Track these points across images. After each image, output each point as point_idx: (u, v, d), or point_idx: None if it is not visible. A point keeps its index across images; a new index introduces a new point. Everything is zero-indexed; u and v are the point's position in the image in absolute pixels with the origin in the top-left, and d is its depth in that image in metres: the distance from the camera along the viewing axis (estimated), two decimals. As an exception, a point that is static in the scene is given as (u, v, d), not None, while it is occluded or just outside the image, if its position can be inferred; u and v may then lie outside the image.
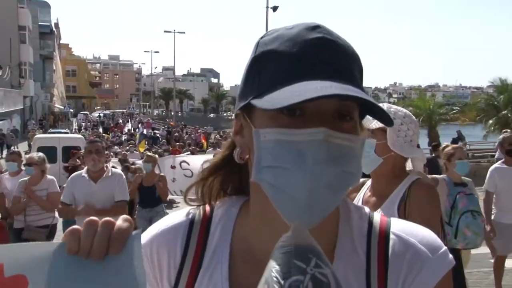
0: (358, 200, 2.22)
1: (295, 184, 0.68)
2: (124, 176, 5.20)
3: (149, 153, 9.38)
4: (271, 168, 0.71)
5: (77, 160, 10.56)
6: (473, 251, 7.81)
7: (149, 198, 7.43)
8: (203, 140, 17.67)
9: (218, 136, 25.61)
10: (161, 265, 0.86)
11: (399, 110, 2.22)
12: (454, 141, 10.45)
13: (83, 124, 45.14)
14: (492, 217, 5.37)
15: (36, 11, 51.61)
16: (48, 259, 0.64)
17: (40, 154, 5.82)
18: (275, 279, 0.59)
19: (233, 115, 0.85)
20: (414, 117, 2.28)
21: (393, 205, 2.06)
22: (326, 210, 0.71)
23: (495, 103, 23.52)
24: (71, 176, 5.31)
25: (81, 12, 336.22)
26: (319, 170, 0.68)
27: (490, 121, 23.19)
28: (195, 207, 0.91)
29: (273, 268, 0.61)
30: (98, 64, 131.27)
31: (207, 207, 0.90)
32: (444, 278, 0.78)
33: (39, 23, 53.75)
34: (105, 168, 5.00)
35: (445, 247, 0.80)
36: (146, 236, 0.88)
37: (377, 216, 0.86)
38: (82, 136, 18.54)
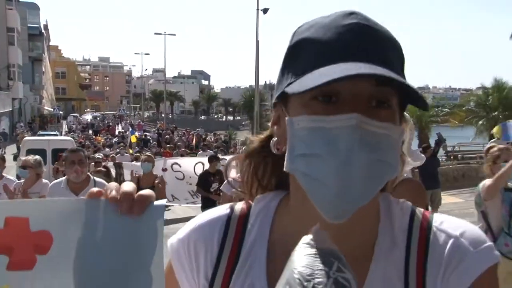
0: None
1: (327, 171, 0.68)
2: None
3: (148, 153, 9.27)
4: (304, 156, 0.70)
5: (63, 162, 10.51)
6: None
7: None
8: (194, 141, 17.64)
9: (209, 138, 25.59)
10: (198, 261, 0.85)
11: None
12: (436, 143, 10.51)
13: (73, 126, 44.84)
14: None
15: (25, 13, 51.15)
16: (73, 215, 0.66)
17: (37, 157, 5.70)
18: (297, 280, 0.59)
19: (272, 105, 0.84)
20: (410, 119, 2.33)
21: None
22: (360, 199, 0.69)
23: (487, 103, 23.73)
24: (50, 185, 5.03)
25: (71, 14, 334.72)
26: (352, 156, 0.66)
27: (480, 122, 23.41)
28: (232, 203, 0.91)
29: (295, 270, 0.60)
30: (88, 66, 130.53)
31: (245, 203, 0.90)
32: (485, 274, 0.74)
33: (28, 25, 53.28)
34: (89, 179, 4.64)
35: (490, 243, 0.76)
36: (183, 231, 0.89)
37: (420, 211, 0.83)
38: (72, 139, 18.40)
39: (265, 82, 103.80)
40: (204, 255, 0.85)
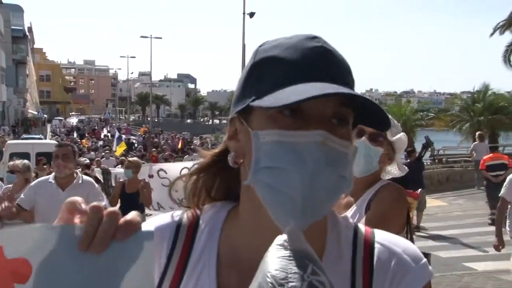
0: None
1: (292, 184, 0.70)
2: (96, 185, 4.80)
3: (130, 159, 8.90)
4: (269, 168, 0.72)
5: (44, 166, 10.28)
6: (444, 255, 7.99)
7: (132, 206, 6.84)
8: (180, 145, 17.45)
9: (195, 142, 25.48)
10: None
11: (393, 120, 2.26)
12: (423, 146, 10.66)
13: (58, 129, 44.36)
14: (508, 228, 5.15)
15: (8, 15, 50.61)
16: (51, 242, 0.61)
17: (25, 161, 5.60)
18: (270, 285, 0.57)
19: (228, 120, 0.86)
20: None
21: (363, 202, 2.15)
22: (320, 213, 0.73)
23: (471, 108, 24.02)
24: (37, 180, 4.94)
25: (55, 16, 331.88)
26: (317, 171, 0.70)
27: (464, 127, 23.68)
28: (182, 210, 0.92)
29: (268, 273, 0.59)
30: (73, 69, 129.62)
31: (195, 211, 0.91)
32: (425, 287, 0.81)
33: (12, 27, 52.70)
34: (75, 175, 4.56)
35: (425, 259, 0.83)
36: None
37: (362, 226, 0.89)
38: (56, 142, 18.16)
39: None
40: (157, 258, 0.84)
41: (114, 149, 21.26)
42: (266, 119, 0.75)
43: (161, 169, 9.58)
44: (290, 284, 0.57)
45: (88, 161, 12.04)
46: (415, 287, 0.80)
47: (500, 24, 21.17)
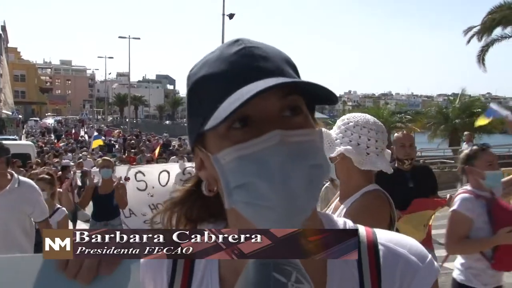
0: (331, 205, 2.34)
1: (268, 194, 0.68)
2: (38, 190, 4.13)
3: (105, 157, 8.37)
4: (240, 187, 0.70)
5: (20, 168, 9.93)
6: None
7: (106, 208, 6.59)
8: (157, 150, 17.13)
9: (175, 143, 25.29)
10: (157, 277, 0.84)
11: (352, 122, 2.26)
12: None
13: (33, 130, 43.51)
14: None
15: (-18, 13, 49.42)
16: (33, 272, 0.60)
17: None
18: None
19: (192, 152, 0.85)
20: (370, 121, 2.27)
21: (346, 206, 2.18)
22: (306, 211, 0.71)
23: (449, 109, 24.44)
24: None
25: (31, 15, 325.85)
26: (287, 172, 0.68)
27: (439, 129, 24.10)
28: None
29: (250, 282, 0.58)
30: (49, 69, 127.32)
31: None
32: (434, 285, 0.81)
33: (-14, 26, 51.58)
34: (9, 177, 3.96)
35: (430, 255, 0.82)
36: None
37: (361, 227, 0.86)
38: (32, 143, 17.80)
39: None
40: (160, 270, 0.84)
41: (90, 150, 20.93)
42: (220, 139, 0.73)
43: (139, 171, 9.03)
44: None
45: (69, 162, 11.62)
46: (425, 286, 0.80)
47: (474, 30, 21.61)
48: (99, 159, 16.04)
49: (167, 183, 8.56)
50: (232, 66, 0.74)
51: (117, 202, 6.66)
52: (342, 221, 0.87)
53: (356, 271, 0.80)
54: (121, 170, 9.25)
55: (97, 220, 6.61)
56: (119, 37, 48.36)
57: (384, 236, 0.84)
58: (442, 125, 24.21)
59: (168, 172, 8.80)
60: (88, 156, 17.67)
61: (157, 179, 8.78)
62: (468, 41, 21.74)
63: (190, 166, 8.82)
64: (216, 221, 0.88)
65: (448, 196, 4.10)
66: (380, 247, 0.82)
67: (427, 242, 4.06)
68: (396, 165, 4.28)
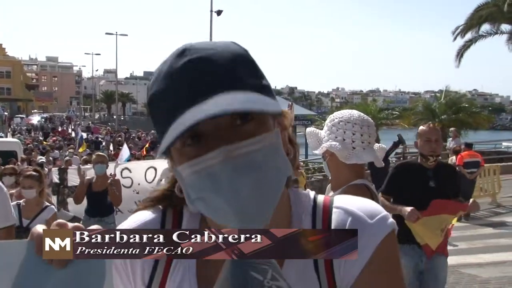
0: None
1: (223, 207, 0.71)
2: (4, 189, 3.34)
3: (100, 153, 8.03)
4: (199, 199, 0.74)
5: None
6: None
7: (99, 205, 6.43)
8: (145, 149, 16.92)
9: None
10: (135, 266, 0.87)
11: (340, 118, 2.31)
12: (395, 144, 10.89)
13: (19, 128, 42.97)
14: None
15: (-34, 9, 48.68)
16: (17, 257, 0.62)
17: None
18: None
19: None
20: (356, 117, 2.32)
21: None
22: (267, 212, 0.73)
23: (433, 107, 24.63)
24: None
25: (16, 11, 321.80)
26: (235, 186, 0.69)
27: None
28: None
29: (228, 279, 0.59)
30: (35, 66, 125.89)
31: (174, 208, 0.92)
32: (384, 241, 0.81)
33: (-30, 22, 50.77)
34: None
35: (385, 213, 0.83)
36: None
37: (321, 196, 0.91)
38: (18, 141, 17.55)
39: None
40: (141, 260, 0.85)
41: (77, 149, 20.76)
42: (178, 154, 0.76)
43: (126, 168, 8.88)
44: None
45: (43, 160, 11.24)
46: (372, 242, 0.80)
47: (460, 28, 21.79)
48: (88, 155, 15.89)
49: (153, 180, 8.43)
50: (178, 84, 0.73)
51: (111, 200, 6.48)
52: (305, 193, 0.91)
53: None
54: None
55: (90, 216, 6.42)
56: (106, 33, 48.04)
57: (340, 200, 0.88)
58: (429, 121, 24.37)
59: (155, 168, 8.65)
60: (75, 154, 17.51)
61: (144, 175, 8.66)
62: (454, 39, 21.94)
63: None
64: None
65: (471, 201, 3.83)
66: (334, 209, 0.86)
67: (443, 247, 3.76)
68: (419, 161, 3.93)
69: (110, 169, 8.76)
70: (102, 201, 6.44)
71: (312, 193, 0.92)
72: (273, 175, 0.73)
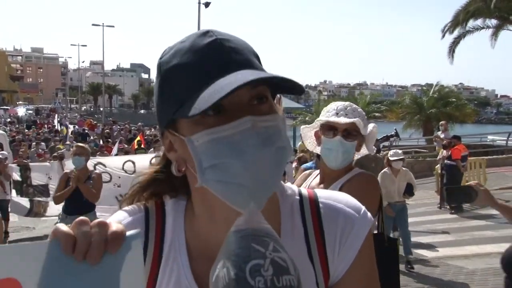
0: (305, 186, 2.35)
1: (239, 173, 0.74)
2: None
3: (80, 144, 7.19)
4: (213, 166, 0.76)
5: None
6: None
7: (79, 201, 5.84)
8: (139, 138, 16.59)
9: (150, 135, 24.99)
10: None
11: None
12: (387, 137, 10.99)
13: (3, 120, 42.33)
14: None
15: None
16: (40, 259, 0.60)
17: None
18: (235, 262, 0.59)
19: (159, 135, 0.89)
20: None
21: (335, 188, 2.22)
22: (272, 188, 0.79)
23: (423, 99, 24.81)
24: None
25: (0, 1, 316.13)
26: (258, 154, 0.74)
27: (414, 119, 24.43)
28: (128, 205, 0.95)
29: (232, 252, 0.60)
30: (20, 57, 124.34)
31: (157, 202, 0.94)
32: (368, 233, 0.90)
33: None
34: None
35: (363, 208, 0.92)
36: None
37: (304, 189, 0.96)
38: (4, 133, 17.25)
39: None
40: None
41: (67, 140, 20.51)
42: (193, 124, 0.78)
43: (99, 163, 8.45)
44: (254, 261, 0.59)
45: (5, 154, 10.16)
46: (362, 234, 0.89)
47: (448, 25, 21.92)
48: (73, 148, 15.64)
49: (133, 172, 8.09)
50: (205, 58, 0.78)
51: (86, 197, 5.89)
52: (289, 186, 0.95)
53: (301, 228, 0.90)
54: None
55: (68, 214, 5.90)
56: (93, 24, 47.58)
57: (323, 194, 0.94)
58: (417, 115, 24.54)
59: (133, 162, 8.40)
60: (61, 146, 17.29)
61: (122, 169, 8.33)
62: (443, 36, 22.06)
63: (157, 155, 8.52)
64: (177, 195, 0.94)
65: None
66: (320, 204, 0.92)
67: None
68: None
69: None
70: (81, 197, 5.85)
71: (295, 187, 0.97)
72: (284, 153, 0.79)
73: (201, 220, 0.88)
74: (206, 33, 0.81)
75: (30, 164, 10.22)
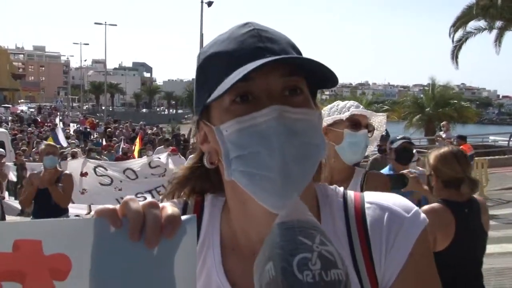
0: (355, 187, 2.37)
1: (266, 164, 0.72)
2: None
3: (50, 142, 6.50)
4: (240, 157, 0.75)
5: None
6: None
7: (45, 205, 5.29)
8: (138, 139, 16.52)
9: (151, 132, 24.99)
10: None
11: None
12: (383, 138, 11.01)
13: (3, 118, 42.28)
14: None
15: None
16: (90, 236, 0.59)
17: None
18: (281, 256, 0.57)
19: (194, 126, 0.89)
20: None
21: (356, 186, 2.29)
22: (300, 184, 0.74)
23: (420, 100, 24.77)
24: None
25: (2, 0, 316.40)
26: (284, 144, 0.72)
27: (414, 119, 24.41)
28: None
29: (277, 245, 0.58)
30: (22, 55, 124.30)
31: (198, 197, 0.94)
32: (422, 235, 0.81)
33: (-45, 9, 49.87)
34: None
35: (416, 208, 0.85)
36: None
37: (351, 192, 0.91)
38: (5, 130, 17.22)
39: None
40: None
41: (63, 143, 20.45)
42: (223, 112, 0.77)
43: (99, 166, 8.24)
44: (301, 255, 0.57)
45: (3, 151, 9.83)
46: (412, 235, 0.81)
47: (456, 25, 21.83)
48: (77, 148, 15.59)
49: (136, 178, 8.21)
50: (239, 45, 0.77)
51: (55, 200, 5.32)
52: (334, 189, 0.91)
53: (344, 229, 0.84)
54: (76, 164, 8.26)
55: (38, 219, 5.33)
56: (95, 23, 47.51)
57: (371, 196, 0.88)
58: (418, 114, 24.53)
59: (134, 170, 8.34)
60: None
61: (123, 174, 8.26)
62: (453, 37, 21.91)
63: (157, 158, 8.47)
64: (216, 191, 0.93)
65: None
66: (366, 205, 0.86)
67: None
68: None
69: (77, 166, 8.00)
70: (49, 200, 5.30)
71: (340, 189, 0.93)
72: (313, 150, 0.76)
73: (234, 216, 0.87)
74: (245, 24, 0.81)
75: (27, 163, 9.99)
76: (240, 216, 0.85)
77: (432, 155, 2.83)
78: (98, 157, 13.25)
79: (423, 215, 0.84)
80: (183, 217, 0.62)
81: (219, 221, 0.89)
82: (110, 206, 0.60)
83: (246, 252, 0.84)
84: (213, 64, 0.80)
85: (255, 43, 0.77)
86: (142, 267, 0.59)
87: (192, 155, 0.96)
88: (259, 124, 0.73)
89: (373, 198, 0.87)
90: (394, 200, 0.85)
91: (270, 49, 0.76)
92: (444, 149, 2.86)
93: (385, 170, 4.35)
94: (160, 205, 0.62)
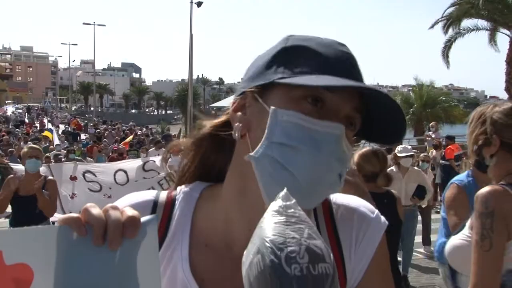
0: None
1: (301, 165, 0.74)
2: None
3: (33, 145, 5.56)
4: (282, 145, 0.75)
5: None
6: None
7: (28, 214, 4.80)
8: (129, 138, 16.29)
9: (142, 133, 24.90)
10: None
11: None
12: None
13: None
14: None
15: None
16: (51, 244, 0.59)
17: None
18: (270, 249, 0.58)
19: (237, 92, 0.87)
20: None
21: None
22: (313, 201, 0.78)
23: (410, 100, 24.97)
24: None
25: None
26: (328, 161, 0.75)
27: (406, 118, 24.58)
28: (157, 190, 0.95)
29: (266, 238, 0.59)
30: (9, 55, 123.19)
31: (170, 191, 0.94)
32: (383, 236, 0.89)
33: None
34: None
35: (377, 210, 0.92)
36: None
37: None
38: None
39: (198, 76, 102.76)
40: None
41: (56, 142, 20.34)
42: (288, 100, 0.77)
43: (88, 171, 8.02)
44: (289, 248, 0.58)
45: None
46: (377, 234, 0.89)
47: (439, 21, 21.91)
48: (67, 148, 15.34)
49: (126, 183, 7.89)
50: (337, 57, 0.81)
51: (41, 208, 4.81)
52: (356, 202, 0.93)
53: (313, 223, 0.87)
54: (66, 168, 8.07)
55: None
56: (84, 23, 47.36)
57: (338, 197, 0.93)
58: (407, 115, 24.72)
59: (125, 171, 8.07)
60: (51, 147, 17.16)
61: (113, 179, 7.98)
62: (446, 33, 21.95)
63: (152, 160, 8.33)
64: (211, 172, 0.94)
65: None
66: (333, 206, 0.91)
67: None
68: None
69: (68, 170, 7.77)
70: (31, 207, 4.79)
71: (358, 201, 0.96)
72: (337, 181, 0.78)
73: (223, 204, 0.88)
74: (343, 45, 0.85)
75: (12, 165, 9.39)
76: (232, 204, 0.86)
77: (356, 154, 3.36)
78: (80, 158, 13.06)
79: (383, 218, 0.92)
80: (144, 218, 0.63)
81: (190, 218, 0.89)
82: (74, 215, 0.61)
83: (221, 247, 0.85)
84: (306, 56, 0.81)
85: (348, 64, 0.81)
86: (107, 271, 0.60)
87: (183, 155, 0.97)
88: (320, 132, 0.75)
89: (339, 199, 0.93)
90: (360, 202, 0.93)
91: (356, 76, 0.80)
92: (366, 149, 3.27)
93: None
94: (120, 208, 0.63)
